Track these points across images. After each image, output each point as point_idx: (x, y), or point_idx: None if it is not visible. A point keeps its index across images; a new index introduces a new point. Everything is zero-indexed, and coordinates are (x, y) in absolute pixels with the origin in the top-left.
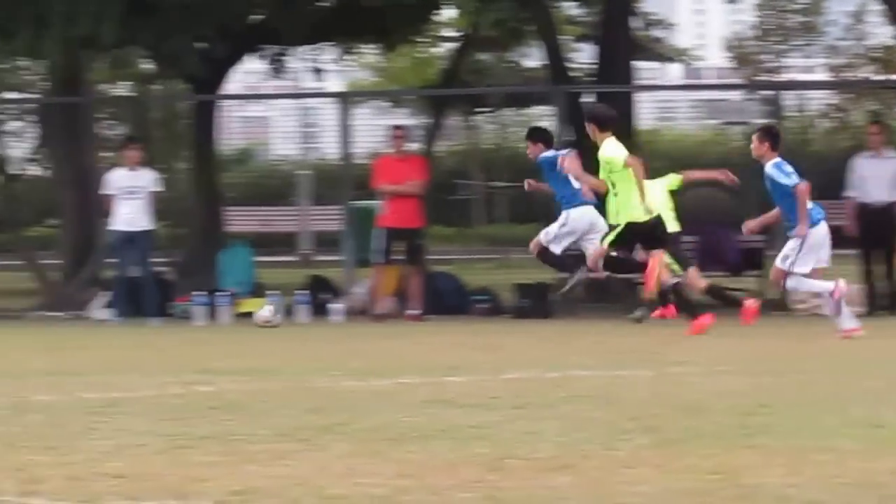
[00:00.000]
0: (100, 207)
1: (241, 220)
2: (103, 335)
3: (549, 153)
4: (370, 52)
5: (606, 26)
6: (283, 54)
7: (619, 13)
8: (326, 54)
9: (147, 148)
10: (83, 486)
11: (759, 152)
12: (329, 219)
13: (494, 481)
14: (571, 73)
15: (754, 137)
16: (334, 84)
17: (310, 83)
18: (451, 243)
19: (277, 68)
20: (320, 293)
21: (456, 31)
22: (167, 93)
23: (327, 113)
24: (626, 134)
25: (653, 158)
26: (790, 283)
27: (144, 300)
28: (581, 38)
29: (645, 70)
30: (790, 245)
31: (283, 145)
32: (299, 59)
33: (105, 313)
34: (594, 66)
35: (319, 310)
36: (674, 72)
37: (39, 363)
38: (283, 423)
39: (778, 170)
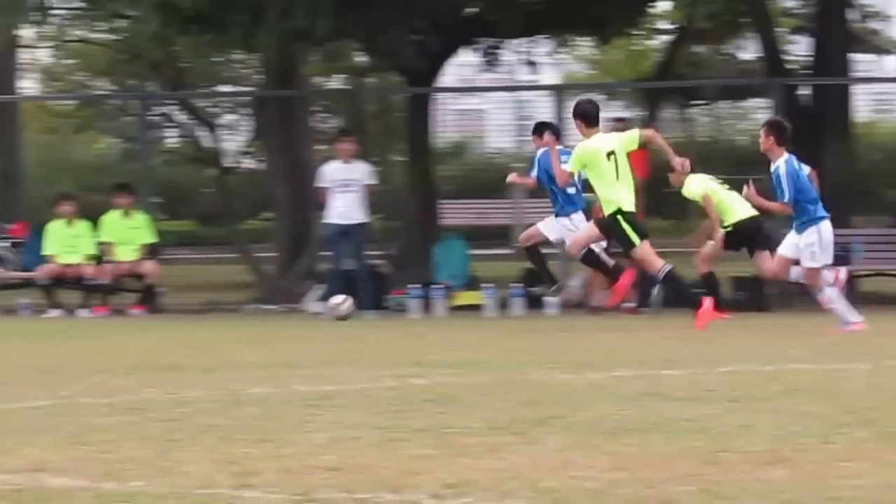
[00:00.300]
0: (314, 200)
1: (456, 212)
2: (318, 328)
3: (560, 148)
4: (585, 45)
5: (822, 18)
6: (497, 47)
7: (835, 5)
8: (541, 47)
9: (361, 141)
10: (297, 479)
11: (766, 146)
12: (544, 212)
13: (710, 474)
14: (787, 66)
15: (762, 131)
16: (549, 77)
17: (524, 76)
18: (667, 236)
19: (492, 61)
20: (535, 286)
21: (671, 23)
22: (382, 86)
23: (542, 106)
24: (843, 126)
25: (870, 151)
26: (793, 273)
27: (359, 293)
28: (797, 31)
29: (861, 62)
30: (807, 240)
31: (497, 138)
32: (514, 52)
33: (319, 306)
34: (810, 59)
35: (534, 303)
36: (891, 64)
37: (254, 356)
38: (497, 416)
39: (786, 173)
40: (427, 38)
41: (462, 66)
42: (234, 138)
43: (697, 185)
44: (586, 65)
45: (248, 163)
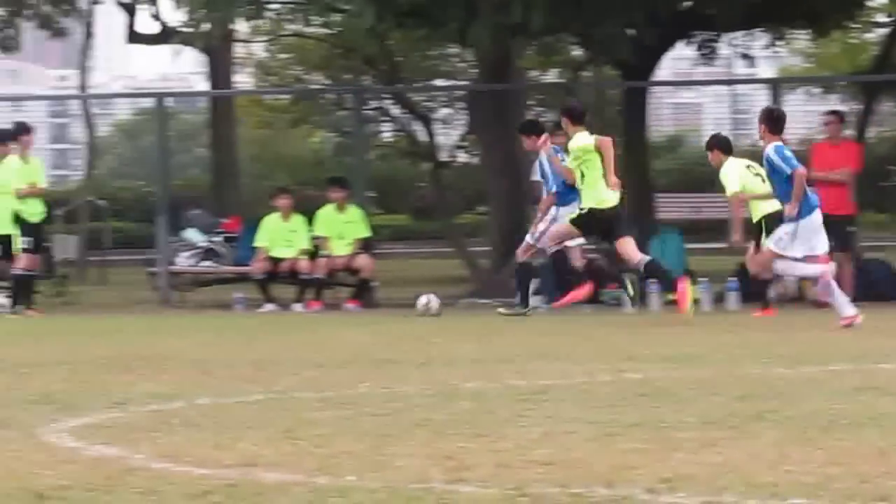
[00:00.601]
0: (529, 194)
1: (671, 206)
2: (532, 322)
3: (553, 146)
4: (801, 38)
5: None
6: (714, 40)
7: None
8: (757, 40)
9: None
10: (511, 474)
11: (761, 135)
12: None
13: None
14: None
15: (758, 121)
16: (765, 70)
17: (741, 69)
18: (883, 230)
19: (708, 55)
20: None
21: (888, 16)
22: (597, 79)
23: (758, 99)
24: None
25: None
26: (779, 266)
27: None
28: None
29: None
30: (784, 228)
31: (714, 131)
32: (730, 46)
33: (535, 300)
34: None
35: (750, 297)
36: None
37: (469, 350)
38: (711, 411)
39: (777, 154)
40: (643, 32)
41: (678, 59)
42: (448, 132)
43: (733, 177)
44: (803, 58)
45: (463, 157)
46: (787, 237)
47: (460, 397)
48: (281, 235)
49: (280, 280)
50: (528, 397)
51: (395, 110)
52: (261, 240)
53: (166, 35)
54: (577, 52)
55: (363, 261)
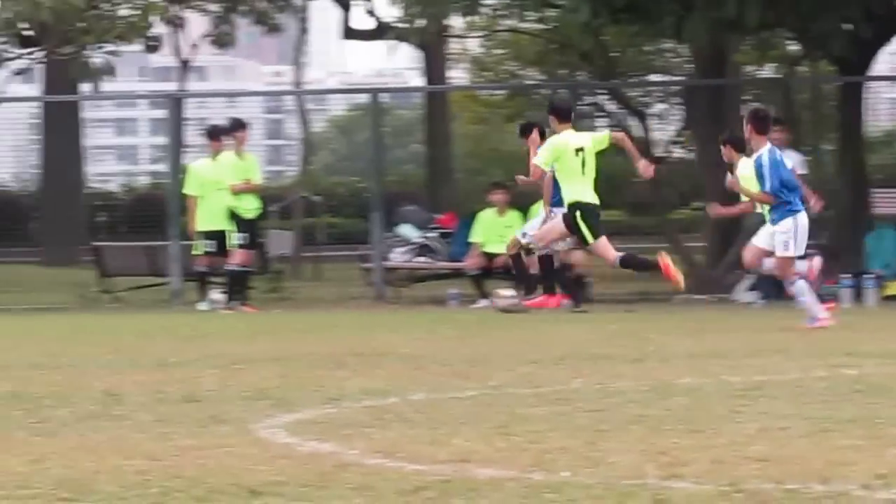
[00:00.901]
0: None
1: (887, 202)
2: (748, 318)
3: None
4: None
5: None
6: None
7: None
8: None
9: (792, 129)
10: (726, 470)
11: (747, 136)
12: None
13: None
14: None
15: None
16: None
17: None
18: None
19: None
20: None
21: None
22: (813, 74)
23: None
24: None
25: None
26: (766, 264)
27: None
28: None
29: None
30: (783, 227)
31: None
32: None
33: (750, 296)
34: None
35: None
36: None
37: (684, 346)
38: None
39: (763, 163)
40: (860, 27)
41: (895, 54)
42: (664, 128)
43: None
44: None
45: (679, 152)
46: (791, 238)
47: (675, 393)
48: (496, 231)
49: (495, 276)
50: (743, 393)
51: (611, 105)
52: (476, 235)
53: (381, 31)
54: (792, 46)
55: (578, 256)
